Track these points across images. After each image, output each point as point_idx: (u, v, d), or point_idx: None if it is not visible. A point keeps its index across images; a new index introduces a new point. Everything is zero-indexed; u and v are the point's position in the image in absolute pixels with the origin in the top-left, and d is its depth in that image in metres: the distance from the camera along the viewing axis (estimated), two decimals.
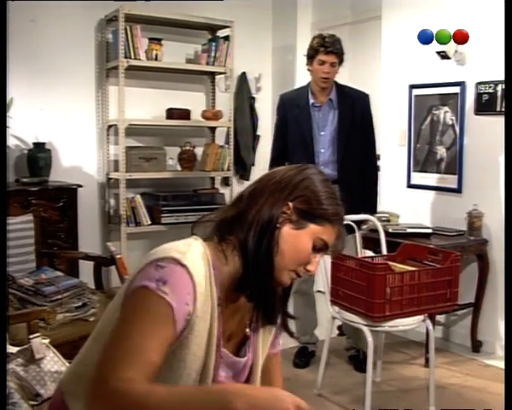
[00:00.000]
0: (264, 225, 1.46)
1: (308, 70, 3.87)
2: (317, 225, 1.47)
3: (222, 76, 5.57)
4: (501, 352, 4.01)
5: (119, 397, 1.21)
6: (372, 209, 3.89)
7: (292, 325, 3.84)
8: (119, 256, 3.48)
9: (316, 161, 3.78)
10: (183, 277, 1.37)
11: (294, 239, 1.47)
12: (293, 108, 3.88)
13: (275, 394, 1.29)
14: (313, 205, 1.48)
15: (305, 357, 4.00)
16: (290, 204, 1.47)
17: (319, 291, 4.93)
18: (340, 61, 3.77)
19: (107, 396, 1.23)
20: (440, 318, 4.30)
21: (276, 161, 3.84)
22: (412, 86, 4.66)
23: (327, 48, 3.70)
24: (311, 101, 3.85)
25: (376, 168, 4.03)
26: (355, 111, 3.84)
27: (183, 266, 1.38)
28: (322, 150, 3.83)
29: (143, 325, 1.33)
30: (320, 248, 1.49)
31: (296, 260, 1.48)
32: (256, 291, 1.51)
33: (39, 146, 4.65)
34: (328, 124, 3.84)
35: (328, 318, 3.51)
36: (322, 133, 3.83)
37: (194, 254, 1.43)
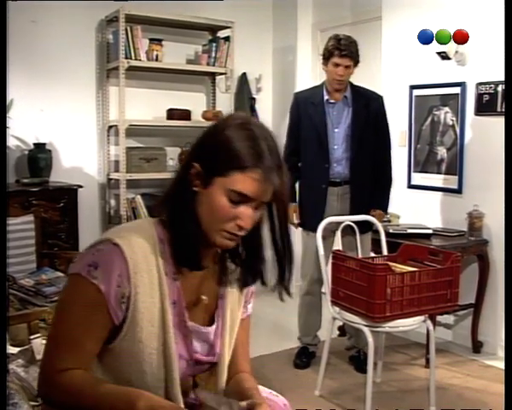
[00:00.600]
0: (176, 193, 1.44)
1: (323, 70, 3.90)
2: (224, 177, 1.37)
3: (222, 77, 5.56)
4: (502, 353, 4.01)
5: (58, 388, 1.35)
6: (384, 209, 3.91)
7: (291, 324, 3.84)
8: None
9: (329, 158, 3.80)
10: (115, 258, 1.37)
11: (207, 198, 1.41)
12: (307, 106, 3.90)
13: (174, 407, 1.39)
14: (216, 157, 1.39)
15: (306, 358, 4.00)
16: (196, 164, 1.41)
17: None
18: (356, 63, 3.77)
19: (48, 388, 1.37)
20: (441, 318, 4.29)
21: (289, 158, 3.76)
22: (413, 87, 4.66)
23: (342, 51, 3.71)
24: (326, 97, 3.86)
25: (391, 168, 4.00)
26: (369, 110, 3.85)
27: (116, 245, 1.38)
28: (336, 147, 3.82)
29: (76, 315, 1.37)
30: (239, 200, 1.38)
31: (217, 219, 1.40)
32: (186, 264, 1.46)
33: (40, 147, 4.65)
34: (342, 121, 3.84)
35: (328, 318, 3.51)
36: (336, 130, 3.83)
37: (133, 231, 1.44)
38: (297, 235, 3.97)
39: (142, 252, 1.40)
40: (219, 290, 1.59)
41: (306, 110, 3.89)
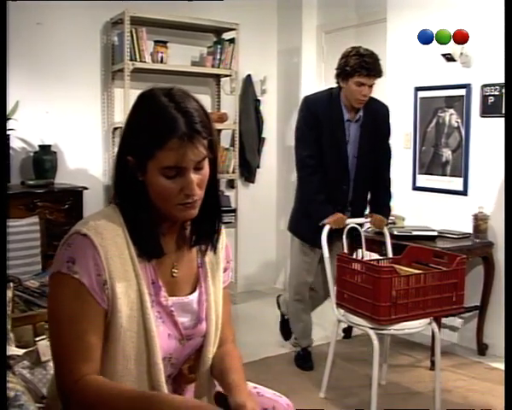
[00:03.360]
0: (124, 188, 1.47)
1: (340, 84, 3.66)
2: (151, 160, 1.41)
3: (227, 78, 5.57)
4: None
5: (77, 402, 1.35)
6: (385, 215, 3.86)
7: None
8: None
9: (348, 179, 3.74)
10: (86, 248, 1.40)
11: (150, 184, 1.44)
12: (326, 120, 3.67)
13: (199, 405, 1.38)
14: (136, 143, 1.43)
15: (310, 360, 3.99)
16: (129, 157, 1.45)
17: None
18: (378, 78, 3.61)
19: (68, 396, 1.37)
20: (446, 320, 4.28)
21: (309, 160, 3.69)
22: (417, 88, 4.65)
23: (369, 70, 3.49)
24: (346, 116, 3.70)
25: (390, 180, 3.95)
26: (376, 126, 3.77)
27: (85, 235, 1.41)
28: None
29: (69, 313, 1.39)
30: (174, 173, 1.42)
31: (165, 199, 1.45)
32: (146, 253, 1.48)
33: (45, 148, 4.66)
34: (351, 139, 3.74)
35: (333, 320, 3.50)
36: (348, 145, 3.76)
37: (100, 219, 1.46)
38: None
39: (111, 238, 1.43)
40: (197, 260, 1.62)
41: (326, 124, 3.67)
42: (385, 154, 3.89)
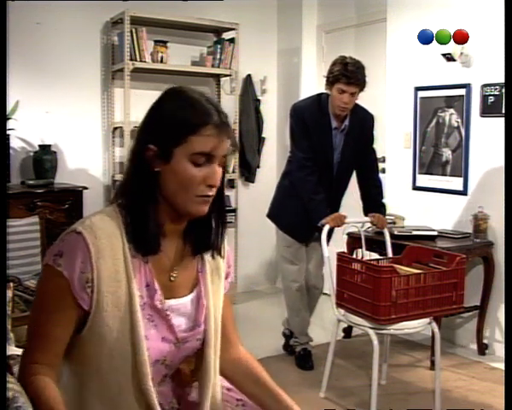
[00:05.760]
0: (137, 179, 1.47)
1: (326, 90, 3.76)
2: (181, 146, 1.42)
3: (227, 78, 5.57)
4: None
5: (25, 383, 1.38)
6: (382, 213, 3.88)
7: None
8: None
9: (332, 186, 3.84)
10: (77, 245, 1.41)
11: (172, 172, 1.44)
12: (315, 129, 3.76)
13: None
14: (167, 130, 1.43)
15: (310, 360, 3.99)
16: (150, 145, 1.44)
17: (324, 293, 4.93)
18: (361, 89, 3.65)
19: (22, 381, 1.40)
20: (446, 320, 4.28)
21: (306, 162, 3.77)
22: (417, 88, 4.66)
23: (349, 78, 3.56)
24: (334, 125, 3.77)
25: (380, 181, 4.02)
26: (361, 134, 3.83)
27: (79, 233, 1.42)
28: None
29: (44, 302, 1.44)
30: (204, 160, 1.43)
31: (188, 188, 1.44)
32: (144, 250, 1.47)
33: (45, 148, 4.66)
34: (336, 147, 3.83)
35: (333, 320, 3.50)
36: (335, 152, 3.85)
37: (98, 218, 1.47)
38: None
39: (105, 237, 1.43)
40: (197, 265, 1.61)
41: (314, 131, 3.76)
42: (370, 157, 3.95)
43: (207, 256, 1.61)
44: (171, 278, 1.54)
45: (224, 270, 1.68)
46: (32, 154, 4.68)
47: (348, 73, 3.55)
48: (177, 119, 1.43)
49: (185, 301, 1.56)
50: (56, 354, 1.43)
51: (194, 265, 1.60)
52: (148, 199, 1.46)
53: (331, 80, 3.64)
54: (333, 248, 3.74)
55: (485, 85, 4.17)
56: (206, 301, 1.59)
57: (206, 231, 1.57)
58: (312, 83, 5.73)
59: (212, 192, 1.47)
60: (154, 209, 1.47)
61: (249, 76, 5.77)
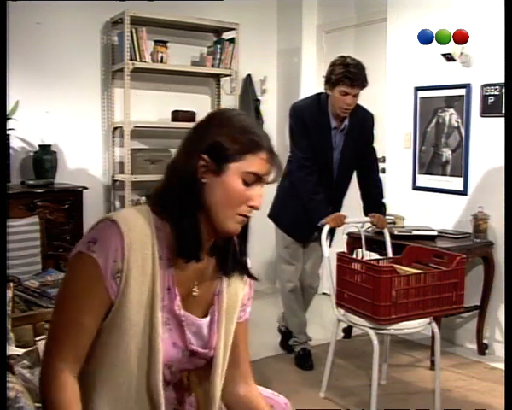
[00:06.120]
0: (182, 187, 1.47)
1: (326, 91, 3.71)
2: (237, 162, 1.46)
3: (227, 78, 5.58)
4: None
5: (44, 383, 1.39)
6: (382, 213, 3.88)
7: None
8: None
9: (332, 185, 3.84)
10: (111, 233, 1.42)
11: (221, 186, 1.46)
12: (315, 129, 3.75)
13: None
14: (226, 145, 1.46)
15: (310, 360, 3.99)
16: (204, 156, 1.46)
17: (324, 293, 4.94)
18: (362, 89, 3.63)
19: (43, 376, 1.41)
20: (446, 320, 4.28)
21: (305, 162, 3.77)
22: (417, 88, 4.66)
23: (352, 81, 3.52)
24: (334, 125, 3.76)
25: (380, 181, 4.01)
26: (361, 133, 3.82)
27: (113, 221, 1.43)
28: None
29: (76, 289, 1.42)
30: (253, 181, 1.48)
31: (232, 204, 1.47)
32: (188, 256, 1.49)
33: (45, 148, 4.66)
34: (337, 146, 3.82)
35: (333, 320, 3.50)
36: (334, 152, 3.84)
37: (132, 212, 1.48)
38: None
39: (137, 232, 1.44)
40: (216, 287, 1.61)
41: (314, 131, 3.75)
42: (370, 157, 3.94)
43: (226, 279, 1.62)
44: (194, 293, 1.56)
45: (244, 300, 1.68)
46: (32, 154, 4.68)
47: (351, 75, 3.53)
48: (240, 137, 1.47)
49: (200, 323, 1.58)
50: (84, 347, 1.42)
51: (212, 285, 1.61)
52: (196, 207, 1.47)
53: (333, 81, 3.59)
54: (333, 248, 3.74)
55: (485, 85, 4.17)
56: (219, 328, 1.60)
57: (233, 253, 1.59)
58: (312, 83, 5.73)
59: (251, 214, 1.51)
60: (200, 217, 1.48)
61: (249, 76, 5.77)
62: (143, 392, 1.47)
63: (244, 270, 1.63)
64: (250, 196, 1.48)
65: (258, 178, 1.48)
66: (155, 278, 1.45)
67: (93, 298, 1.41)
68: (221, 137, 1.47)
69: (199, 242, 1.48)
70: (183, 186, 1.47)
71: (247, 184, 1.47)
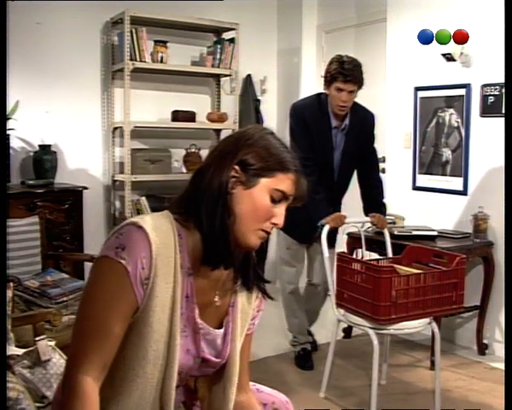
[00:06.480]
0: (215, 195, 1.48)
1: (325, 91, 3.73)
2: (268, 178, 1.49)
3: (227, 78, 5.58)
4: None
5: (67, 394, 1.37)
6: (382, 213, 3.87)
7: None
8: None
9: (333, 185, 3.84)
10: (139, 239, 1.41)
11: (249, 198, 1.49)
12: (316, 129, 3.75)
13: None
14: (259, 160, 1.49)
15: (310, 360, 4.00)
16: (236, 167, 1.48)
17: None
18: (360, 87, 3.63)
19: (65, 387, 1.39)
20: (446, 320, 4.28)
21: (307, 162, 3.74)
22: (417, 88, 4.66)
23: (346, 76, 3.54)
24: (334, 124, 3.76)
25: (381, 180, 4.01)
26: (361, 132, 3.82)
27: (140, 227, 1.42)
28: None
29: (105, 296, 1.41)
30: (279, 199, 1.51)
31: (257, 218, 1.50)
32: (218, 262, 1.50)
33: (45, 148, 4.66)
34: (337, 146, 3.81)
35: (333, 320, 3.50)
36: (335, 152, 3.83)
37: (155, 219, 1.48)
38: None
39: (162, 239, 1.44)
40: (231, 298, 1.63)
41: (314, 131, 3.75)
42: (371, 156, 3.95)
43: (240, 292, 1.64)
44: (216, 303, 1.58)
45: (254, 312, 1.71)
46: (32, 154, 4.68)
47: (345, 72, 3.54)
48: (275, 154, 1.51)
49: (216, 334, 1.59)
50: (111, 354, 1.41)
51: (228, 296, 1.62)
52: (226, 215, 1.48)
53: (329, 79, 3.63)
54: (335, 248, 3.74)
55: (485, 85, 4.17)
56: (234, 339, 1.62)
57: (253, 267, 1.63)
58: (312, 83, 5.74)
59: (271, 231, 1.54)
60: (230, 226, 1.49)
61: (249, 76, 5.77)
62: (157, 397, 1.49)
63: (262, 286, 1.66)
64: (275, 213, 1.51)
65: (284, 197, 1.52)
66: (176, 286, 1.46)
67: (122, 304, 1.40)
68: (256, 152, 1.50)
69: (229, 248, 1.49)
70: (215, 195, 1.48)
71: (274, 201, 1.50)
